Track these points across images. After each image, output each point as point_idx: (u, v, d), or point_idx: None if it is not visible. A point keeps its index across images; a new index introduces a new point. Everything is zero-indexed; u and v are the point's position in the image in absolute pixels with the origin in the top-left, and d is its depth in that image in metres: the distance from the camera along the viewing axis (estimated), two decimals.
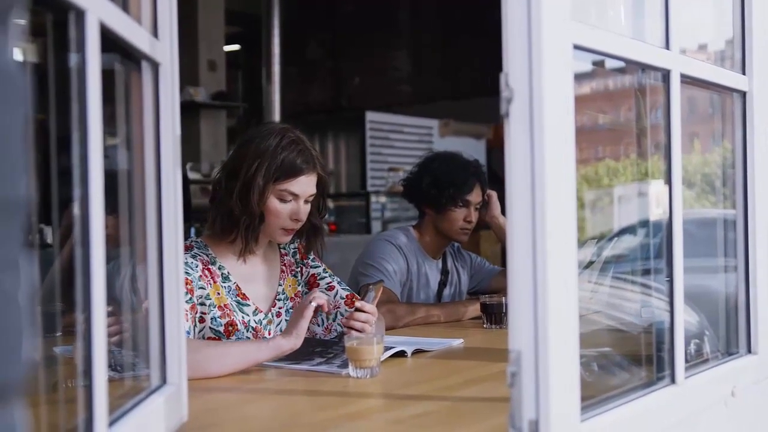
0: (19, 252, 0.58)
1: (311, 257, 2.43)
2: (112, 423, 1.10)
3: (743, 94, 1.81)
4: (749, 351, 1.82)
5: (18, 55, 0.58)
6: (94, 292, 1.02)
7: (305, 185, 2.19)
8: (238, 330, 2.17)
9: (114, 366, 1.33)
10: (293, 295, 2.35)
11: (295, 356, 2.04)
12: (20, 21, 0.59)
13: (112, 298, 1.17)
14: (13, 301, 0.57)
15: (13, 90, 0.56)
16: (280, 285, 2.33)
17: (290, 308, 2.32)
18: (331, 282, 2.40)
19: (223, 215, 2.19)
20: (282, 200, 2.17)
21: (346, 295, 2.36)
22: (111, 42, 1.13)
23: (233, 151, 2.25)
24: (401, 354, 2.11)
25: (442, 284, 3.14)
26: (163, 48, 1.37)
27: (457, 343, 2.35)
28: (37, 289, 0.67)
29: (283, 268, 2.36)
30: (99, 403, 1.02)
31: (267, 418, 1.61)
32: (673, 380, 1.52)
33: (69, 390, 1.37)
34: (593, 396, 1.34)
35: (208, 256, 2.21)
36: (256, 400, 1.74)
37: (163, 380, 1.38)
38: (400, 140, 8.21)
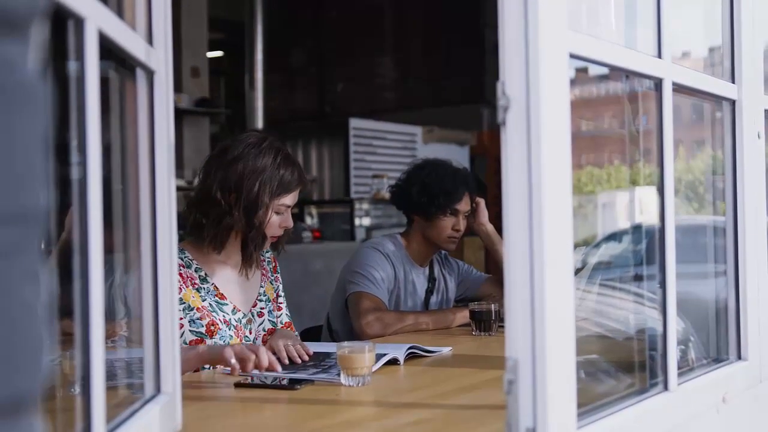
0: (39, 262, 0.58)
1: (278, 272, 2.55)
2: None
3: (732, 102, 1.83)
4: (739, 357, 1.83)
5: (38, 64, 0.58)
6: (92, 301, 1.01)
7: (296, 196, 2.34)
8: (220, 329, 2.23)
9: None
10: (272, 299, 2.46)
11: (290, 367, 2.04)
12: (40, 31, 0.59)
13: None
14: (33, 312, 0.57)
15: (35, 101, 0.56)
16: (261, 287, 2.42)
17: (271, 310, 2.42)
18: (282, 303, 2.52)
19: (224, 230, 2.25)
20: (277, 213, 2.29)
21: (286, 322, 2.46)
22: (106, 49, 1.12)
23: (221, 166, 2.26)
24: (393, 362, 2.10)
25: (429, 292, 3.14)
26: (158, 55, 1.37)
27: (447, 350, 2.35)
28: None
29: (263, 272, 2.46)
30: (97, 413, 1.01)
31: (260, 427, 1.60)
32: (666, 387, 1.53)
33: (62, 399, 1.36)
34: (587, 403, 1.35)
35: (182, 260, 2.26)
36: (250, 409, 1.74)
37: (158, 389, 1.37)
38: (383, 147, 8.21)
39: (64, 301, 1.05)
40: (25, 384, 0.56)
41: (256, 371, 1.98)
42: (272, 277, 2.49)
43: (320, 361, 2.12)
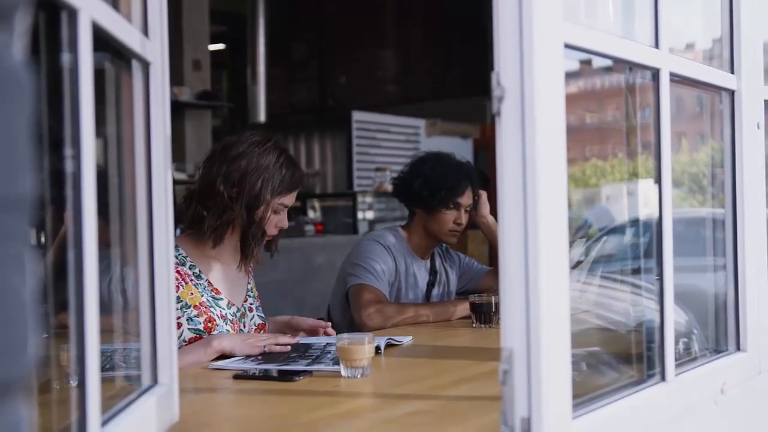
0: (25, 249, 0.58)
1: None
2: (104, 423, 1.10)
3: (731, 93, 1.82)
4: (738, 348, 1.83)
5: (22, 53, 0.58)
6: (87, 293, 1.01)
7: (294, 197, 2.38)
8: (217, 325, 2.27)
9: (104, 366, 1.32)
10: (256, 296, 2.50)
11: (279, 361, 2.03)
12: (25, 19, 0.59)
13: (100, 299, 1.17)
14: (19, 298, 0.57)
15: (19, 90, 0.57)
16: (249, 283, 2.47)
17: (258, 306, 2.47)
18: (258, 303, 2.51)
19: (224, 224, 2.27)
20: (275, 212, 2.32)
21: (259, 323, 2.46)
22: (101, 41, 1.12)
23: (225, 161, 2.28)
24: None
25: (431, 284, 3.14)
26: (154, 47, 1.37)
27: (407, 340, 2.36)
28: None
29: (250, 269, 2.49)
30: (92, 404, 1.02)
31: (258, 418, 1.61)
32: (663, 377, 1.53)
33: (58, 390, 1.37)
34: (585, 394, 1.35)
35: (177, 257, 2.27)
36: (247, 400, 1.74)
37: (155, 380, 1.38)
38: (386, 140, 8.21)
39: (63, 295, 1.05)
40: (11, 369, 0.57)
41: (250, 364, 1.99)
42: (253, 276, 2.54)
43: (304, 352, 2.13)
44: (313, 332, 2.43)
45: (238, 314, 2.36)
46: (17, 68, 0.57)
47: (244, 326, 2.38)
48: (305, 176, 2.41)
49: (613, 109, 2.05)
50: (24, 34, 0.59)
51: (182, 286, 2.24)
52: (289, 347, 2.15)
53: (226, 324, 2.28)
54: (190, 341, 2.20)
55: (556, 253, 1.20)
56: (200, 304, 2.25)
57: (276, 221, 2.33)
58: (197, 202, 2.29)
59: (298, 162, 2.41)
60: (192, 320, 2.23)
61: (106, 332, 1.43)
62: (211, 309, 2.27)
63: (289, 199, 2.34)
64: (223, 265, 2.37)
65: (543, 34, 1.17)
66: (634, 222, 2.07)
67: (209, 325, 2.24)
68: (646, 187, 1.85)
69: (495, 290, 2.94)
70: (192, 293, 2.26)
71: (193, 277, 2.28)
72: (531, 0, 1.15)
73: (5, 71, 0.56)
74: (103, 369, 1.16)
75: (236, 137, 2.35)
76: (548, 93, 1.18)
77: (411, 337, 2.41)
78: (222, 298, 2.32)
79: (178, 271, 2.24)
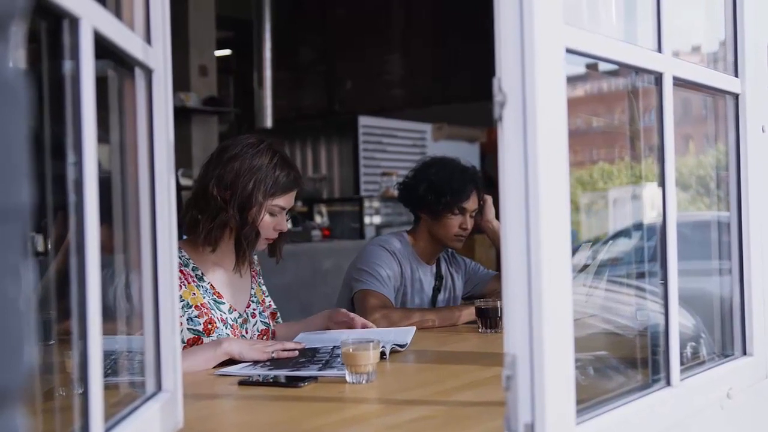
0: (21, 258, 0.59)
1: (260, 276, 2.57)
2: (107, 430, 1.10)
3: (736, 97, 1.82)
4: (744, 353, 1.82)
5: (18, 63, 0.59)
6: (90, 300, 1.01)
7: (292, 199, 2.36)
8: (217, 327, 2.27)
9: (108, 372, 1.32)
10: (261, 301, 2.49)
11: (288, 367, 2.03)
12: (20, 29, 0.59)
13: (106, 306, 1.17)
14: (14, 307, 0.57)
15: (15, 98, 0.57)
16: (252, 288, 2.46)
17: (261, 311, 2.46)
18: (262, 309, 2.50)
19: (218, 226, 2.28)
20: (271, 214, 2.32)
21: (262, 329, 2.45)
22: (104, 48, 1.13)
23: (219, 164, 2.30)
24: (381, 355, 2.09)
25: (437, 289, 3.13)
26: (156, 54, 1.37)
27: (411, 332, 2.40)
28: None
29: (253, 274, 2.49)
30: (95, 410, 1.02)
31: (263, 424, 1.60)
32: (668, 382, 1.52)
33: (63, 397, 1.37)
34: (589, 399, 1.34)
35: (180, 259, 2.28)
36: (252, 406, 1.74)
37: (159, 387, 1.38)
38: (393, 144, 8.21)
39: (68, 302, 1.05)
40: (7, 378, 0.57)
41: (259, 370, 1.99)
42: (259, 280, 2.54)
43: (312, 357, 2.13)
44: (347, 325, 2.45)
45: (240, 320, 2.36)
46: (14, 78, 0.57)
47: (246, 332, 2.38)
48: (302, 178, 2.39)
49: (620, 112, 2.05)
50: (20, 43, 0.59)
51: (184, 285, 2.24)
52: (296, 353, 2.15)
53: (226, 328, 2.28)
54: (189, 342, 2.20)
55: (559, 258, 1.20)
56: (201, 305, 2.26)
57: (274, 224, 2.32)
58: (193, 207, 2.30)
59: (293, 164, 2.39)
60: (192, 320, 2.23)
61: (110, 339, 1.44)
62: (212, 311, 2.27)
63: (285, 201, 2.33)
64: (225, 270, 2.37)
65: (544, 38, 1.17)
66: (641, 226, 2.07)
67: (209, 326, 2.24)
68: (652, 190, 1.85)
69: (501, 295, 2.92)
70: (194, 293, 2.26)
71: (195, 279, 2.29)
72: (532, 4, 1.15)
73: (1, 81, 0.56)
74: (106, 374, 1.16)
75: (232, 140, 2.37)
76: (550, 98, 1.18)
77: (414, 328, 2.43)
78: (224, 302, 2.32)
79: (181, 271, 2.25)
